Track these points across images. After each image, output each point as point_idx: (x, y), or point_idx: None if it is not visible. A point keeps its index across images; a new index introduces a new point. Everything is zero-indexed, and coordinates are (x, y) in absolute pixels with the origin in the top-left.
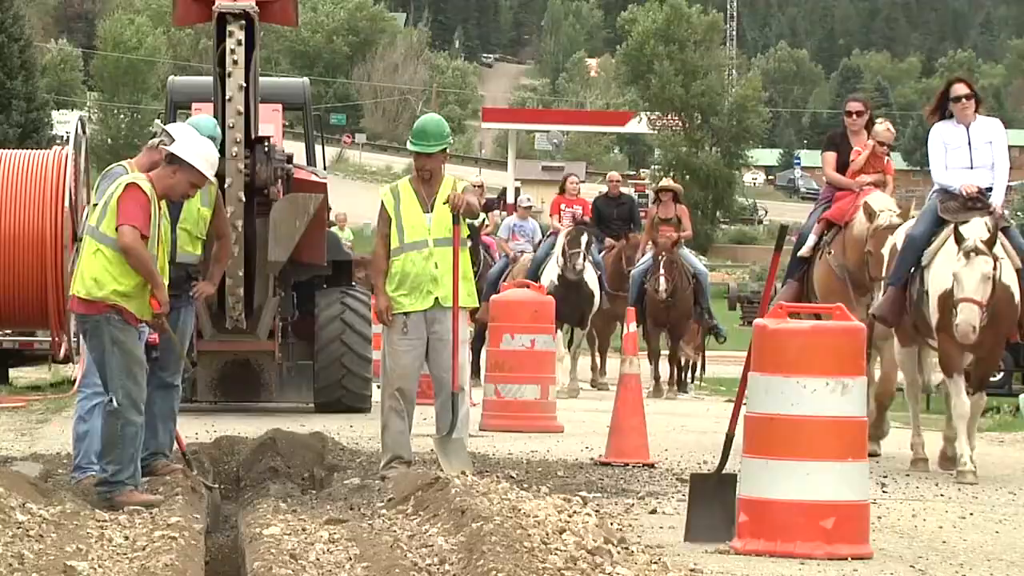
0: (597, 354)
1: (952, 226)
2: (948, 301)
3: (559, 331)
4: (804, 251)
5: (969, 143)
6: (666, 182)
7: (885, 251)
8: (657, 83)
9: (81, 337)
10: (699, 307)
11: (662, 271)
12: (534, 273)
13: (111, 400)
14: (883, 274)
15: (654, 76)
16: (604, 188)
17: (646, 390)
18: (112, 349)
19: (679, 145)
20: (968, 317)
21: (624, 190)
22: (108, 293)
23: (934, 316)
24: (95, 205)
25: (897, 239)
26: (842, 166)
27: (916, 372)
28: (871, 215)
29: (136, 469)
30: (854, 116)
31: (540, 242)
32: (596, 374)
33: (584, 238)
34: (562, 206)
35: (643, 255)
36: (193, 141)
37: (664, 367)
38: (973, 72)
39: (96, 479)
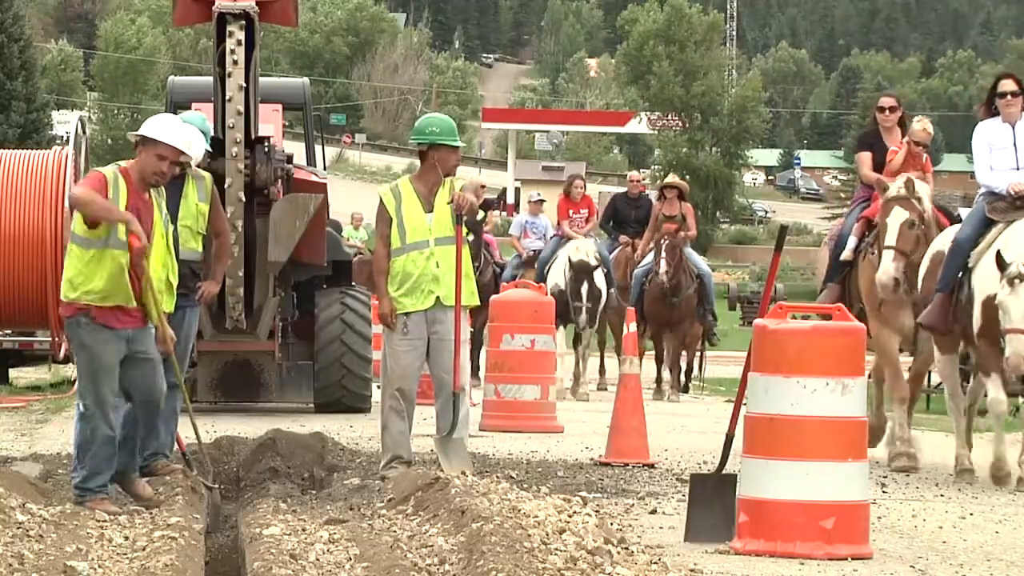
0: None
1: (1000, 226)
2: (994, 304)
3: (562, 328)
4: (846, 254)
5: (1015, 143)
6: (672, 179)
7: (890, 221)
8: (657, 83)
9: None
10: (702, 308)
11: (664, 254)
12: (540, 273)
13: (80, 404)
14: (886, 244)
15: (654, 76)
16: (604, 189)
17: (647, 391)
18: (80, 352)
19: (679, 145)
20: (1018, 348)
21: (624, 189)
22: (80, 295)
23: (977, 321)
24: None
25: (944, 244)
26: (878, 165)
27: (957, 379)
28: (884, 190)
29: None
30: (887, 112)
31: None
32: (604, 377)
33: (584, 303)
34: (570, 211)
35: (644, 255)
36: (156, 119)
37: (665, 369)
38: (973, 72)
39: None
